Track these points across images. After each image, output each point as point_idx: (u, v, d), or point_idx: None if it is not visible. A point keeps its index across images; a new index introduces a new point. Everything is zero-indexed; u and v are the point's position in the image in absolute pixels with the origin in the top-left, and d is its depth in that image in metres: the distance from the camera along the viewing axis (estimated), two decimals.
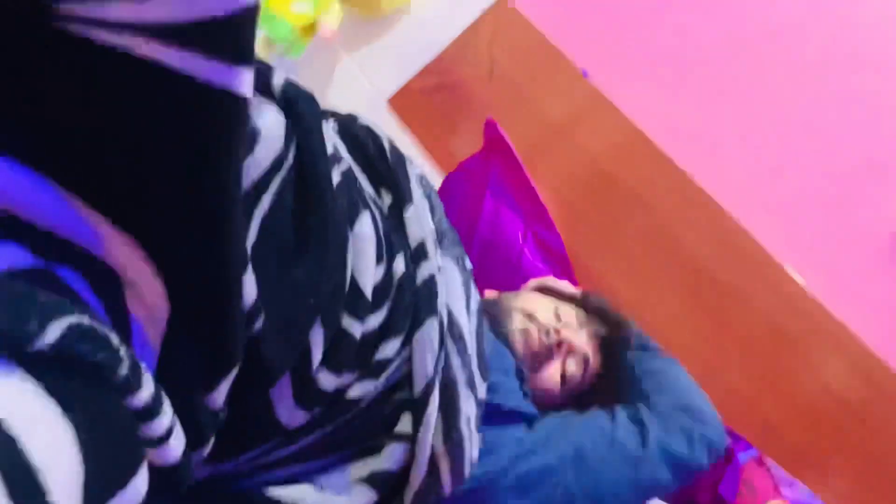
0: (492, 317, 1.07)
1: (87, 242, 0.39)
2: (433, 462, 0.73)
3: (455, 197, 1.51)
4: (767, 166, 1.47)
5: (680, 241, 1.39)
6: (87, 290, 0.39)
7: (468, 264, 0.88)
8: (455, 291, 0.80)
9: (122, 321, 0.42)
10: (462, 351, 0.77)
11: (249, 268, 0.48)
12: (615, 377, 1.13)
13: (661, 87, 1.60)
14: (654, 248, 1.41)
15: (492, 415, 0.87)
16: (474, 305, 0.84)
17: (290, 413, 0.61)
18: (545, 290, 1.19)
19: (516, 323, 1.05)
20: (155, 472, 0.41)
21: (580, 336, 1.08)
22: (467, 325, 0.80)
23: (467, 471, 0.76)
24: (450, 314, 0.77)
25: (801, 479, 1.23)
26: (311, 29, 1.60)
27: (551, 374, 1.05)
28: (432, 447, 0.73)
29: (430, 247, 0.77)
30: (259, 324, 0.50)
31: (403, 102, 1.67)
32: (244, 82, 0.40)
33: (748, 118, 1.51)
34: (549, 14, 1.66)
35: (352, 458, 0.73)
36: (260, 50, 1.50)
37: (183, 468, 0.44)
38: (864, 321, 1.28)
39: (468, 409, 0.77)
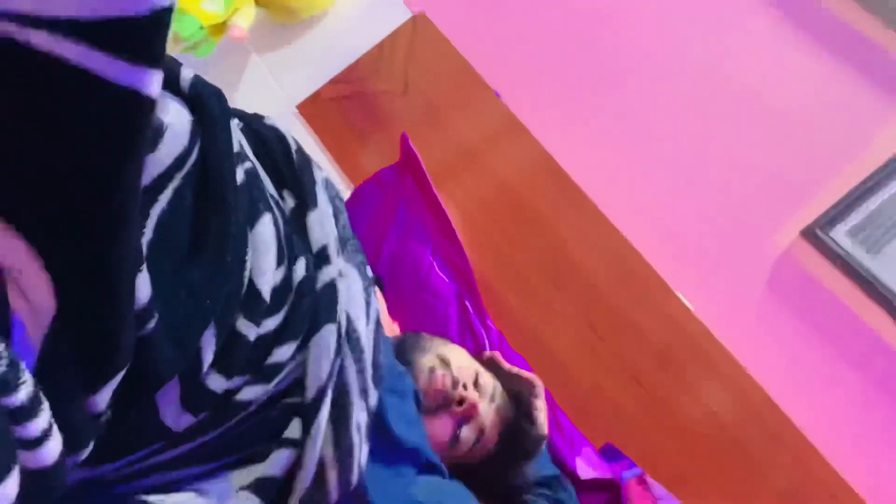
0: (406, 348, 1.06)
1: None
2: (321, 469, 0.71)
3: (367, 207, 1.50)
4: (664, 193, 1.54)
5: (578, 264, 1.44)
6: None
7: (370, 272, 0.87)
8: (355, 298, 0.79)
9: (1, 315, 0.40)
10: (358, 359, 0.75)
11: (144, 267, 0.46)
12: (500, 475, 1.11)
13: (568, 111, 1.65)
14: (553, 270, 1.45)
15: (391, 448, 0.85)
16: (374, 314, 0.83)
17: (176, 417, 0.59)
18: (482, 361, 1.17)
19: (427, 362, 1.04)
20: (27, 475, 0.39)
21: (488, 407, 1.07)
22: (365, 333, 0.78)
23: (355, 479, 0.74)
24: (349, 321, 0.76)
25: (680, 498, 1.29)
26: (221, 28, 1.56)
27: (443, 428, 1.03)
28: (321, 454, 0.71)
29: (333, 252, 0.76)
30: (151, 325, 0.48)
31: (313, 109, 1.65)
32: (152, 83, 0.39)
33: (651, 146, 1.58)
34: (465, 32, 1.69)
35: (237, 465, 0.70)
36: (167, 45, 1.45)
37: (57, 473, 0.42)
38: (745, 347, 1.35)
39: (359, 418, 0.75)
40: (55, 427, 0.40)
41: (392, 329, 1.23)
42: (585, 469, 1.18)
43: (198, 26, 1.51)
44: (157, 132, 0.50)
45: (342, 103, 1.64)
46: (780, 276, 1.43)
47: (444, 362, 1.05)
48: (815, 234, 1.39)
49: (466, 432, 1.04)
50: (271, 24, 1.73)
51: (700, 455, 1.33)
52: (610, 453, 1.31)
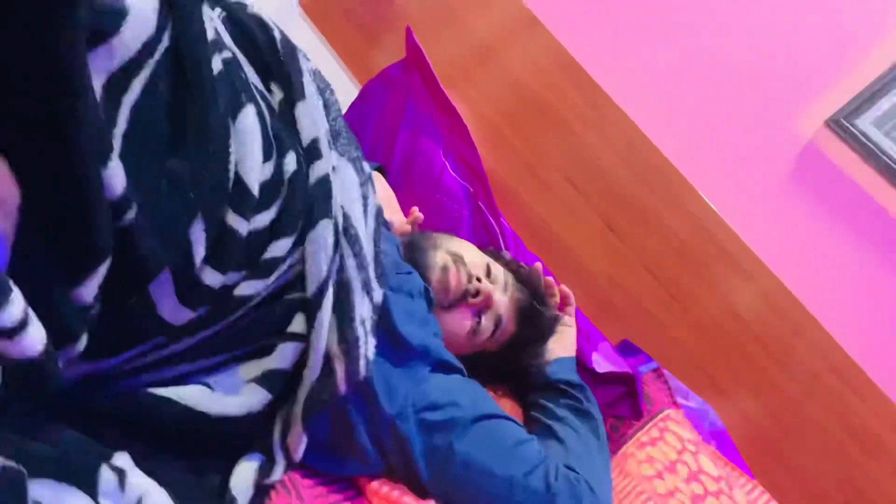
0: (415, 247, 1.05)
1: None
2: (327, 362, 0.72)
3: (375, 105, 1.47)
4: (685, 86, 1.48)
5: (594, 161, 1.40)
6: None
7: (366, 167, 0.85)
8: (351, 193, 0.77)
9: None
10: (358, 253, 0.75)
11: (115, 157, 0.45)
12: (517, 364, 1.13)
13: (585, 2, 1.57)
14: (569, 168, 1.42)
15: (400, 348, 0.86)
16: (371, 209, 0.82)
17: (173, 311, 0.59)
18: (484, 250, 1.17)
19: (439, 259, 1.03)
20: (16, 367, 0.39)
21: (502, 295, 1.07)
22: (363, 228, 0.78)
23: (363, 371, 0.75)
24: (346, 216, 0.75)
25: (697, 391, 1.30)
26: None
27: (462, 320, 1.04)
28: (326, 347, 0.72)
29: (324, 146, 0.74)
30: (131, 216, 0.47)
31: (317, 7, 1.59)
32: None
33: (672, 38, 1.51)
34: None
35: (243, 359, 0.71)
36: None
37: (46, 364, 0.42)
38: (767, 240, 1.33)
39: (363, 311, 0.76)
40: (33, 317, 0.40)
41: (404, 227, 1.22)
42: (602, 363, 1.19)
43: None
44: (120, 14, 0.48)
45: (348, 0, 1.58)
46: (804, 166, 1.39)
47: (456, 257, 1.04)
48: (840, 123, 1.34)
49: (485, 321, 1.05)
50: None
51: (718, 349, 1.33)
52: (626, 349, 1.32)
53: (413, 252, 1.05)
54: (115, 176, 0.45)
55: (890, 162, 1.30)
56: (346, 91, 1.54)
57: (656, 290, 1.35)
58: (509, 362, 1.13)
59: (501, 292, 1.08)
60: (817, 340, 1.27)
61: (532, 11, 1.45)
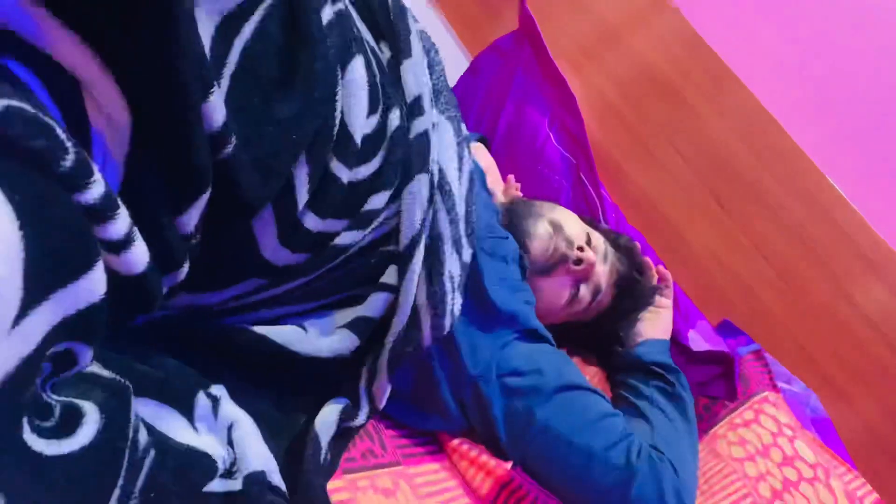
0: (515, 214, 1.06)
1: (33, 36, 0.39)
2: (415, 313, 0.75)
3: (485, 77, 1.48)
4: (819, 70, 1.39)
5: (711, 137, 1.34)
6: (41, 90, 0.40)
7: (464, 129, 0.86)
8: (448, 151, 0.79)
9: (82, 130, 0.43)
10: (451, 210, 0.77)
11: (218, 92, 0.47)
12: (610, 335, 1.12)
13: None
14: (683, 142, 1.37)
15: (488, 312, 0.87)
16: (467, 168, 0.83)
17: (274, 251, 0.63)
18: (583, 219, 1.16)
19: (540, 228, 1.03)
20: (121, 280, 0.43)
21: (602, 266, 1.07)
22: (458, 186, 0.79)
23: (447, 324, 0.77)
24: (441, 172, 0.77)
25: (803, 377, 1.24)
26: None
27: (561, 287, 1.03)
28: (415, 299, 0.74)
29: (426, 103, 0.76)
30: (229, 149, 0.50)
31: None
32: None
33: (806, 18, 1.42)
34: None
35: (337, 306, 0.75)
36: None
37: (149, 282, 0.46)
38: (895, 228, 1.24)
39: (452, 267, 0.78)
40: (138, 236, 0.43)
41: (508, 193, 1.24)
42: (698, 341, 1.16)
43: None
44: None
45: None
46: None
47: (557, 226, 1.05)
48: None
49: (584, 291, 1.05)
50: None
51: (829, 338, 1.26)
52: (727, 329, 1.28)
53: (513, 218, 1.05)
54: (216, 110, 0.47)
55: None
56: (459, 64, 1.56)
57: (765, 272, 1.29)
58: (603, 333, 1.12)
59: (602, 262, 1.07)
60: None
61: None
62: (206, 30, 0.49)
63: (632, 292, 1.12)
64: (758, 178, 1.31)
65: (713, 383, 1.15)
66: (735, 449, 1.05)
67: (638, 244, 1.19)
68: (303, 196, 0.61)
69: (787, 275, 1.29)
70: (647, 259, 1.19)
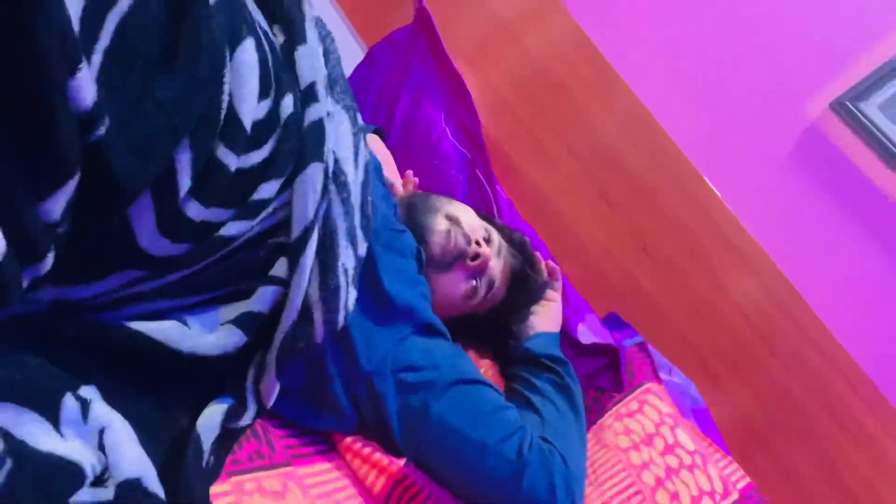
0: (414, 208, 1.05)
1: None
2: (306, 307, 0.72)
3: (380, 69, 1.46)
4: (692, 65, 1.47)
5: (597, 134, 1.39)
6: None
7: (360, 119, 0.84)
8: (344, 140, 0.77)
9: None
10: (345, 200, 0.75)
11: (85, 67, 0.44)
12: (503, 328, 1.14)
13: None
14: (571, 139, 1.41)
15: (384, 306, 0.86)
16: (362, 160, 0.81)
17: (153, 241, 0.59)
18: (478, 214, 1.17)
19: (438, 223, 1.04)
20: None
21: (496, 260, 1.08)
22: (353, 176, 0.77)
23: (341, 320, 0.75)
24: (336, 162, 0.75)
25: (683, 369, 1.30)
26: None
27: (457, 282, 1.04)
28: (306, 293, 0.71)
29: (321, 90, 0.73)
30: (101, 131, 0.46)
31: None
32: None
33: (682, 17, 1.49)
34: None
35: (223, 301, 0.71)
36: None
37: (4, 274, 0.42)
38: (764, 220, 1.33)
39: (346, 260, 0.75)
40: None
41: (404, 187, 1.23)
42: (587, 334, 1.19)
43: None
44: None
45: None
46: (806, 148, 1.38)
47: (455, 221, 1.05)
48: (845, 107, 1.32)
49: (479, 284, 1.06)
50: None
51: (705, 326, 1.33)
52: (613, 322, 1.32)
53: (411, 212, 1.05)
54: (84, 88, 0.44)
55: (892, 146, 1.29)
56: (354, 54, 1.54)
57: (649, 266, 1.35)
58: (497, 325, 1.14)
59: (496, 257, 1.09)
60: (807, 323, 1.26)
61: None
62: (75, 2, 0.45)
63: (524, 286, 1.14)
64: (641, 175, 1.36)
65: (600, 375, 1.19)
66: (621, 439, 1.09)
67: (529, 240, 1.21)
68: (185, 183, 0.57)
69: (669, 269, 1.35)
70: (538, 254, 1.22)
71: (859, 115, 1.31)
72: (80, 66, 0.43)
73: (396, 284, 0.88)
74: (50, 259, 0.48)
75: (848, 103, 1.32)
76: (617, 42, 1.45)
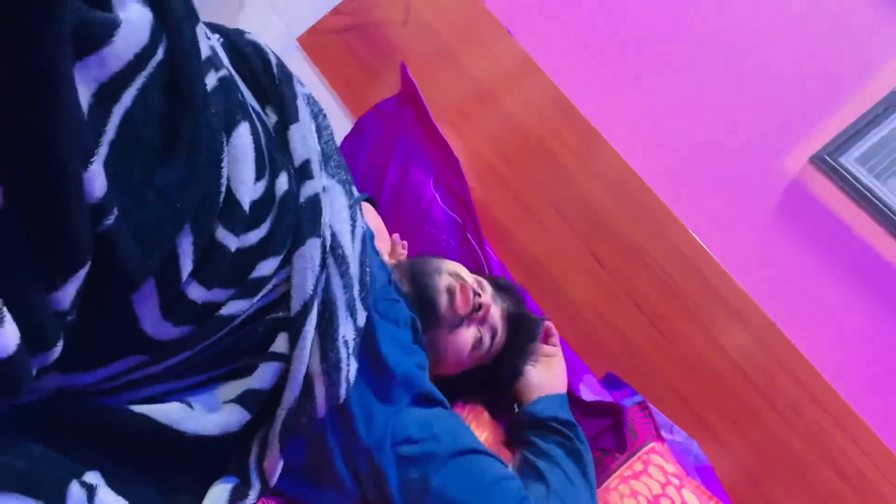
0: (418, 272, 1.06)
1: None
2: (308, 382, 0.72)
3: (368, 138, 1.49)
4: (673, 122, 1.51)
5: (584, 196, 1.42)
6: None
7: (355, 191, 0.86)
8: (340, 213, 0.78)
9: None
10: (344, 273, 0.76)
11: (98, 161, 0.45)
12: (511, 371, 1.14)
13: (576, 42, 1.60)
14: (559, 202, 1.43)
15: (383, 375, 0.86)
16: (359, 231, 0.83)
17: (156, 325, 0.59)
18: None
19: (444, 281, 1.04)
20: None
21: (496, 308, 1.09)
22: (351, 248, 0.78)
23: (343, 393, 0.75)
24: (333, 235, 0.76)
25: (681, 425, 1.30)
26: None
27: (465, 337, 1.04)
28: (308, 367, 0.71)
29: (315, 166, 0.75)
30: (110, 221, 0.47)
31: (314, 42, 1.62)
32: None
33: (661, 75, 1.54)
34: None
35: (224, 378, 0.71)
36: None
37: (18, 365, 0.42)
38: (752, 273, 1.34)
39: (346, 332, 0.76)
40: (7, 315, 0.40)
41: (397, 256, 1.24)
42: (588, 394, 1.19)
43: None
44: (111, 24, 0.49)
45: (343, 35, 1.61)
46: (789, 202, 1.41)
47: (458, 277, 1.06)
48: (825, 161, 1.36)
49: (484, 334, 1.06)
50: None
51: (702, 383, 1.33)
52: (612, 382, 1.32)
53: (415, 277, 1.05)
54: (96, 180, 0.45)
55: (872, 198, 1.32)
56: (341, 125, 1.57)
57: (643, 324, 1.36)
58: (504, 373, 1.13)
59: (495, 304, 1.09)
60: (802, 374, 1.27)
61: (528, 53, 1.49)
62: (82, 97, 0.47)
63: (521, 326, 1.14)
64: (631, 235, 1.38)
65: (603, 436, 1.18)
66: (627, 501, 1.07)
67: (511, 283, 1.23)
68: (187, 266, 0.58)
69: (662, 326, 1.35)
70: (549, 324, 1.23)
71: (839, 168, 1.34)
72: (92, 158, 0.44)
73: (394, 354, 0.88)
74: (59, 348, 0.48)
75: (827, 157, 1.35)
76: (597, 103, 1.49)
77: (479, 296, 1.05)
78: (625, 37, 1.57)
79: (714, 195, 1.45)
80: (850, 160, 1.34)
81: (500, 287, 1.17)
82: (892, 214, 1.31)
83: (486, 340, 1.07)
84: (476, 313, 1.04)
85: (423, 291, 1.02)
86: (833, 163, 1.35)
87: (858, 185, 1.33)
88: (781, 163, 1.42)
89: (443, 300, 1.02)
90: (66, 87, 0.42)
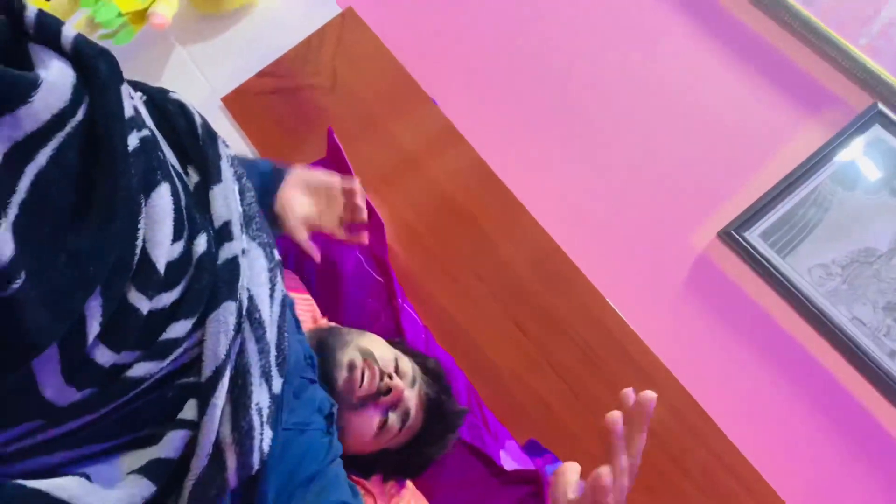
0: (327, 346, 1.04)
1: None
2: (218, 451, 0.67)
3: None
4: (588, 195, 1.57)
5: (505, 263, 1.45)
6: None
7: (276, 254, 0.84)
8: (259, 277, 0.75)
9: None
10: (260, 338, 0.72)
11: (5, 224, 0.44)
12: (423, 458, 1.13)
13: (497, 114, 1.66)
14: (481, 269, 1.46)
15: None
16: (279, 295, 0.80)
17: (58, 390, 0.55)
18: (392, 342, 1.17)
19: (348, 356, 1.02)
20: None
21: (411, 391, 1.08)
22: (269, 313, 0.75)
23: (256, 463, 0.71)
24: (251, 299, 0.73)
25: None
26: (142, 16, 1.51)
27: (369, 420, 1.03)
28: (218, 435, 0.67)
29: (236, 228, 0.73)
30: (17, 285, 0.45)
31: (239, 102, 1.62)
32: None
33: (577, 150, 1.61)
34: (396, 29, 1.69)
35: (128, 447, 0.66)
36: (84, 31, 1.40)
37: None
38: (665, 344, 1.39)
39: (261, 399, 0.72)
40: None
41: (319, 324, 1.22)
42: (509, 461, 1.18)
43: (116, 13, 1.46)
44: (31, 84, 0.48)
45: (269, 97, 1.61)
46: (698, 275, 1.48)
47: (367, 354, 1.03)
48: (731, 236, 1.44)
49: (393, 419, 1.04)
50: (196, 15, 1.69)
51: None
52: (533, 448, 1.32)
53: (324, 349, 1.03)
54: (4, 243, 0.44)
55: (775, 272, 1.40)
56: None
57: (562, 391, 1.38)
58: (414, 456, 1.11)
59: (409, 387, 1.07)
60: (713, 441, 1.31)
61: (452, 123, 1.53)
62: None
63: (441, 415, 1.12)
64: (551, 303, 1.41)
65: (525, 503, 1.17)
66: None
67: (444, 369, 1.21)
68: (94, 329, 0.55)
69: (581, 393, 1.37)
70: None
71: (744, 243, 1.42)
72: (0, 221, 0.43)
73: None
74: None
75: (733, 232, 1.43)
76: (519, 174, 1.53)
77: (391, 377, 1.03)
78: (545, 111, 1.64)
79: (630, 267, 1.51)
80: (754, 236, 1.43)
81: (429, 370, 1.16)
82: (791, 288, 1.39)
83: (395, 424, 1.05)
84: (382, 396, 1.02)
85: (323, 364, 0.99)
86: (738, 237, 1.43)
87: (761, 259, 1.41)
88: (692, 237, 1.49)
89: (341, 376, 1.00)
90: None
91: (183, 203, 0.66)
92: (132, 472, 0.65)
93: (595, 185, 1.57)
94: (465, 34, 1.74)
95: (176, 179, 0.67)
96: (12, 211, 0.46)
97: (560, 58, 1.67)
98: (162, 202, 0.61)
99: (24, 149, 0.48)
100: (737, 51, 1.61)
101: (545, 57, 1.68)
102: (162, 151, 0.68)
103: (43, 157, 0.49)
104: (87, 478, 0.62)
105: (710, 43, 1.63)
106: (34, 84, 0.48)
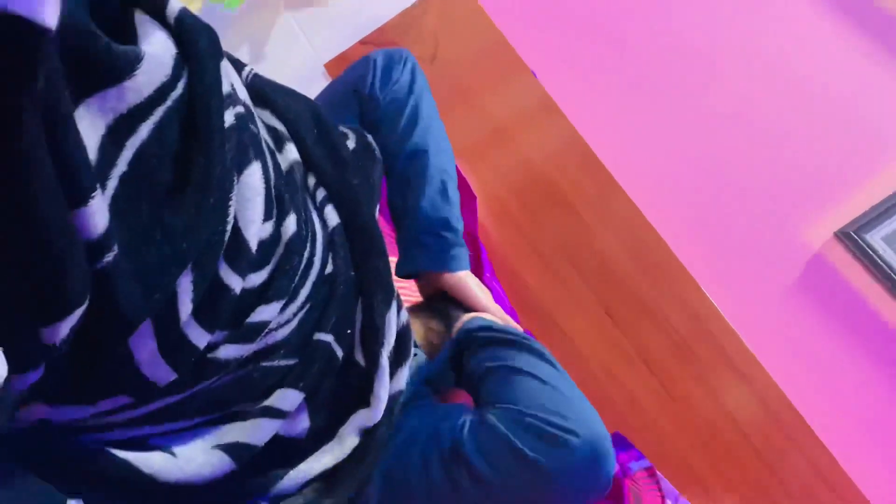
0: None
1: None
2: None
3: None
4: (697, 184, 1.49)
5: (600, 249, 1.39)
6: None
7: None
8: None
9: None
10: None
11: (99, 196, 0.43)
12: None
13: (604, 93, 1.59)
14: (574, 253, 1.41)
15: None
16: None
17: (154, 367, 0.55)
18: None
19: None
20: None
21: None
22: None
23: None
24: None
25: (687, 496, 1.25)
26: None
27: None
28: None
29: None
30: (109, 258, 0.45)
31: (341, 69, 1.61)
32: (46, 12, 0.35)
33: (689, 136, 1.52)
34: (504, 7, 1.65)
35: (213, 423, 0.67)
36: None
37: (4, 400, 0.40)
38: (768, 345, 1.31)
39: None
40: None
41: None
42: None
43: None
44: (134, 58, 0.47)
45: None
46: (810, 275, 1.38)
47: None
48: (850, 237, 1.33)
49: None
50: None
51: (711, 453, 1.29)
52: (619, 442, 1.27)
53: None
54: (96, 215, 0.43)
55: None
56: None
57: (652, 385, 1.32)
58: None
59: None
60: (811, 450, 1.23)
61: (551, 96, 1.47)
62: (95, 129, 0.45)
63: None
64: (644, 291, 1.35)
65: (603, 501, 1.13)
66: None
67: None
68: (186, 305, 0.55)
69: (673, 388, 1.31)
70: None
71: (864, 245, 1.31)
72: (93, 193, 0.42)
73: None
74: (40, 371, 0.45)
75: (853, 233, 1.33)
76: (619, 153, 1.47)
77: None
78: (653, 90, 1.56)
79: (734, 259, 1.42)
80: (875, 238, 1.32)
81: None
82: None
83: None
84: None
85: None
86: (858, 239, 1.32)
87: (883, 265, 1.30)
88: (806, 234, 1.39)
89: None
90: (38, 150, 0.39)
91: (272, 182, 0.65)
92: (216, 447, 0.65)
93: (703, 171, 1.49)
94: (571, 4, 1.68)
95: (268, 157, 0.66)
96: (112, 183, 0.46)
97: (673, 33, 1.59)
98: (252, 180, 0.60)
99: (128, 122, 0.48)
100: (878, 37, 1.48)
101: (656, 32, 1.59)
102: (256, 127, 0.67)
103: (145, 130, 0.49)
104: (172, 454, 0.63)
105: (845, 24, 1.51)
106: (137, 58, 0.48)
